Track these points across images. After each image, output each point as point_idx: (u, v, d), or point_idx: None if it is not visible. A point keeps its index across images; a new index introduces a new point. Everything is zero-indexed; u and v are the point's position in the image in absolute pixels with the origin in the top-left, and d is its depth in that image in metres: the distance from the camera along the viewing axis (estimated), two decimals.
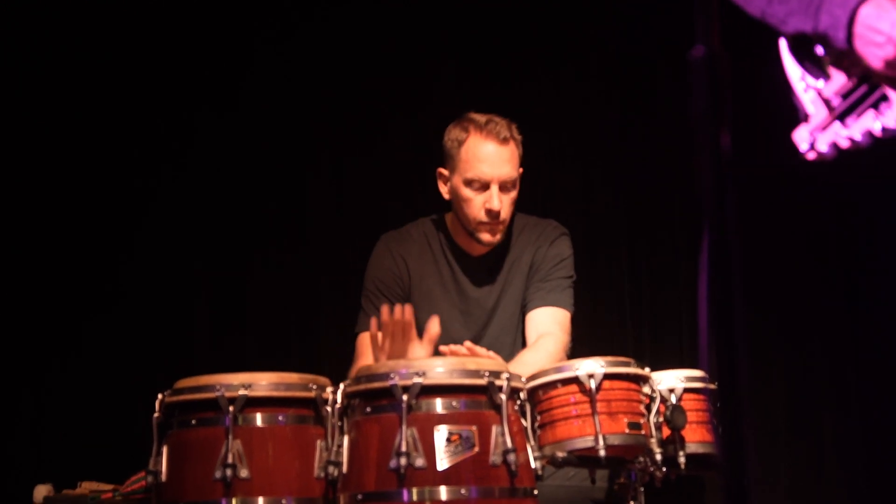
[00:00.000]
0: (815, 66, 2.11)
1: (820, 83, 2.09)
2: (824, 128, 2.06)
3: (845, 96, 2.05)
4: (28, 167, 4.53)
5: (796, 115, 2.11)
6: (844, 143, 2.02)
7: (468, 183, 3.26)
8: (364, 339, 3.33)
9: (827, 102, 2.07)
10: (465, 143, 3.27)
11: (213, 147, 4.65)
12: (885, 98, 1.99)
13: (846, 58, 2.04)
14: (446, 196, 3.38)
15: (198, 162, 4.65)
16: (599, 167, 4.72)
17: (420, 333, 3.26)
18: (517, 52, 4.77)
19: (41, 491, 3.11)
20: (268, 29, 4.77)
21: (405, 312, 2.92)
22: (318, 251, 4.63)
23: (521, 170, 3.36)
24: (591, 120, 4.72)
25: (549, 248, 3.39)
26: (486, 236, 3.29)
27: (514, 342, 3.34)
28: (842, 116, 2.05)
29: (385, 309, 2.94)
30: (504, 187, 3.25)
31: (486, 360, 2.68)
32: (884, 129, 1.97)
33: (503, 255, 3.41)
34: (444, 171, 3.37)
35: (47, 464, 4.16)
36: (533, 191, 4.59)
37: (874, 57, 1.97)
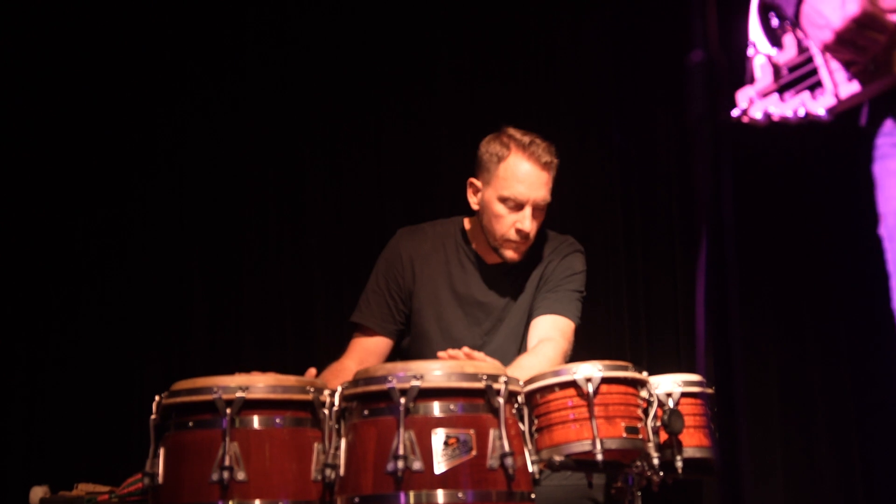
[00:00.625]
0: (771, 33, 2.11)
1: (773, 51, 2.09)
2: (764, 95, 2.06)
3: (791, 69, 2.06)
4: (18, 165, 4.52)
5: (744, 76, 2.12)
6: (776, 116, 2.03)
7: (503, 200, 3.25)
8: (358, 337, 3.39)
9: (775, 71, 2.08)
10: (505, 159, 3.27)
11: (209, 146, 4.64)
12: (820, 84, 2.01)
13: (795, 31, 2.05)
14: (475, 206, 3.37)
15: (193, 161, 4.64)
16: (597, 170, 4.72)
17: (424, 335, 3.34)
18: (514, 52, 4.77)
19: (37, 492, 3.10)
20: (264, 24, 4.76)
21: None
22: (315, 250, 4.62)
23: None
24: (588, 122, 4.72)
25: (562, 261, 3.39)
26: (509, 253, 3.30)
27: (518, 352, 3.32)
28: (782, 89, 2.06)
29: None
30: (536, 209, 3.26)
31: (484, 363, 2.68)
32: (810, 114, 1.99)
33: (516, 265, 3.39)
34: (477, 182, 3.35)
35: (43, 465, 4.15)
36: None
37: (815, 38, 1.99)
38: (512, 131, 3.31)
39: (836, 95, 1.98)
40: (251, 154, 4.66)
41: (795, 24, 2.02)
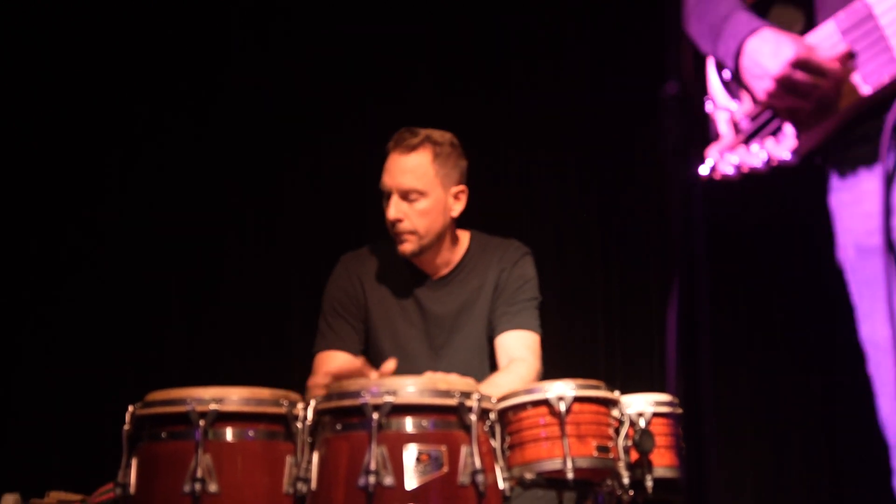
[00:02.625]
0: (729, 87, 2.15)
1: (733, 105, 2.12)
2: (731, 149, 2.09)
3: (753, 119, 2.09)
4: None
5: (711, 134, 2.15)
6: (745, 168, 2.06)
7: (381, 196, 3.30)
8: (321, 358, 3.35)
9: (736, 124, 2.11)
10: (386, 154, 3.32)
11: (185, 153, 4.63)
12: (780, 129, 2.04)
13: (742, 86, 2.08)
14: None
15: (168, 167, 4.62)
16: (573, 191, 4.75)
17: (380, 354, 3.29)
18: (495, 66, 4.80)
19: (8, 500, 3.08)
20: (246, 22, 4.76)
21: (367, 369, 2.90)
22: (292, 260, 4.63)
23: (460, 188, 3.35)
24: (565, 143, 4.75)
25: (514, 268, 3.37)
26: (399, 247, 3.29)
27: (481, 363, 3.32)
28: (747, 139, 2.09)
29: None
30: (406, 197, 3.25)
31: (457, 380, 2.69)
32: (776, 160, 2.02)
33: (463, 276, 3.40)
34: None
35: (15, 472, 4.12)
36: (506, 212, 4.63)
37: (758, 90, 2.01)
38: None
39: (797, 137, 2.01)
40: (228, 161, 4.65)
41: (737, 78, 2.05)
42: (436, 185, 3.28)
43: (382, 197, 3.31)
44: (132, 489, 2.43)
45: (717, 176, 2.07)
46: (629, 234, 4.71)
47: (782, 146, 2.00)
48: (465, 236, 3.46)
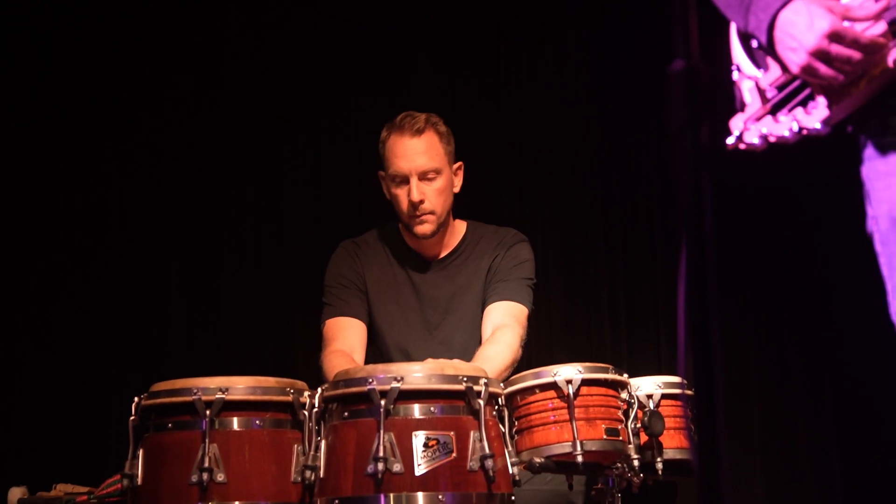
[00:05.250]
0: (754, 56, 2.11)
1: (759, 73, 2.09)
2: (758, 119, 2.06)
3: (780, 88, 2.06)
4: None
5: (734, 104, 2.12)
6: (773, 137, 2.02)
7: (392, 180, 3.35)
8: (333, 324, 3.37)
9: (762, 93, 2.07)
10: (386, 142, 3.37)
11: (187, 145, 4.61)
12: (812, 97, 2.00)
13: (773, 57, 2.05)
14: (388, 197, 3.44)
15: (171, 161, 4.61)
16: (578, 174, 4.73)
17: (376, 335, 3.36)
18: (496, 54, 4.77)
19: (15, 493, 3.08)
20: (244, 19, 4.74)
21: None
22: (294, 249, 4.61)
23: (458, 164, 3.43)
24: (569, 127, 4.73)
25: (508, 251, 3.43)
26: (418, 228, 3.34)
27: (476, 344, 3.33)
28: (774, 109, 2.05)
29: None
30: (424, 178, 3.32)
31: (465, 365, 2.68)
32: (806, 129, 1.98)
33: (459, 259, 3.45)
34: (382, 174, 3.44)
35: (22, 466, 4.12)
36: (510, 198, 4.61)
37: (791, 63, 1.98)
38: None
39: (829, 107, 1.97)
40: (230, 154, 4.64)
41: (770, 51, 2.02)
42: (445, 163, 3.37)
43: (391, 183, 3.36)
44: (139, 480, 2.43)
45: (742, 146, 2.04)
46: (634, 217, 4.68)
47: (813, 116, 1.96)
48: (461, 223, 3.53)
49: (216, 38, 4.72)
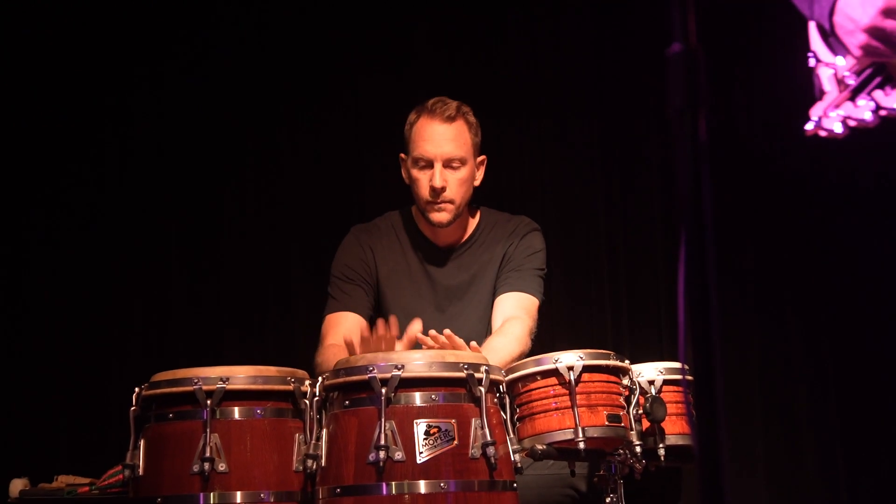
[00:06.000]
0: (830, 44, 2.09)
1: (838, 60, 2.07)
2: (837, 105, 2.04)
3: (858, 74, 2.03)
4: None
5: (813, 94, 2.10)
6: (853, 121, 2.00)
7: (415, 162, 3.34)
8: (331, 319, 3.36)
9: (841, 80, 2.05)
10: (414, 125, 3.37)
11: (184, 130, 4.60)
12: (890, 79, 1.98)
13: (839, 44, 2.03)
14: (406, 181, 3.44)
15: (168, 146, 4.60)
16: (578, 161, 4.72)
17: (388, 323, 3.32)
18: (495, 40, 4.76)
19: (17, 485, 3.08)
20: (243, 1, 4.73)
21: (391, 328, 2.89)
22: (295, 238, 4.61)
23: (482, 157, 3.44)
24: (569, 112, 4.72)
25: (521, 240, 3.43)
26: (434, 216, 3.34)
27: (488, 332, 3.33)
28: (853, 95, 2.03)
29: (379, 324, 2.88)
30: (449, 165, 3.31)
31: (465, 352, 2.67)
32: (886, 110, 1.96)
33: (472, 246, 3.45)
34: (404, 156, 3.43)
35: (23, 457, 4.13)
36: (510, 184, 4.60)
37: (852, 45, 1.96)
38: (428, 101, 3.40)
39: None
40: (228, 141, 4.63)
41: (835, 37, 2.00)
42: (471, 154, 3.37)
43: (413, 167, 3.35)
44: (141, 470, 2.43)
45: (822, 133, 2.02)
46: (634, 202, 4.68)
47: (892, 97, 1.94)
48: (475, 210, 3.52)
49: (212, 22, 4.69)
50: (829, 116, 2.02)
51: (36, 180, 4.50)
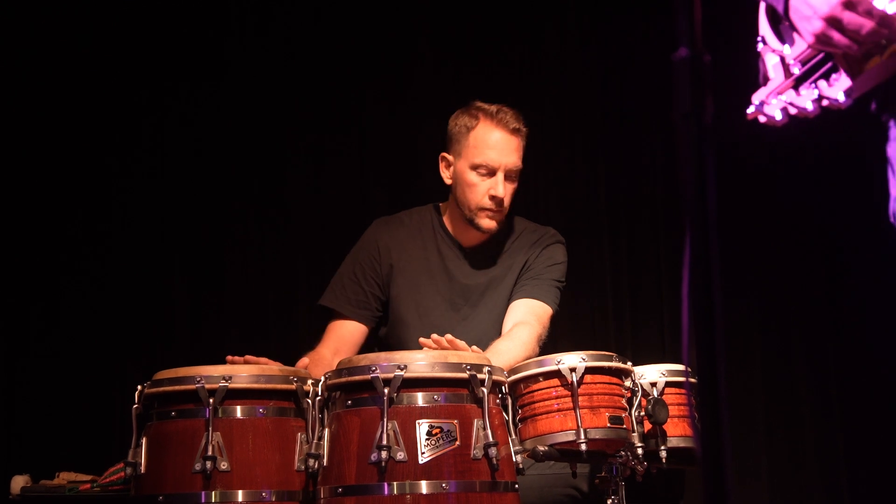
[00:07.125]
0: (780, 31, 2.10)
1: (785, 48, 2.07)
2: (780, 93, 2.04)
3: (804, 63, 2.04)
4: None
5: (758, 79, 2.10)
6: (794, 109, 2.00)
7: (475, 168, 3.31)
8: (333, 326, 3.38)
9: (787, 68, 2.06)
10: (474, 129, 3.33)
11: (189, 136, 4.60)
12: (836, 69, 1.98)
13: (793, 29, 2.03)
14: (448, 181, 3.41)
15: (174, 150, 4.60)
16: (581, 161, 4.72)
17: (401, 319, 3.36)
18: (499, 41, 4.76)
19: (18, 482, 3.08)
20: (246, 12, 4.72)
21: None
22: (297, 239, 4.61)
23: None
24: (573, 114, 4.72)
25: (544, 250, 3.43)
26: (485, 222, 3.33)
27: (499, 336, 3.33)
28: (797, 84, 2.03)
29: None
30: (508, 176, 3.32)
31: (468, 353, 2.67)
32: (828, 100, 1.96)
33: (496, 251, 3.43)
34: (449, 156, 3.40)
35: (25, 454, 4.13)
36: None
37: (805, 31, 1.96)
38: (480, 103, 3.39)
39: (851, 77, 1.95)
40: (232, 143, 4.63)
41: (787, 20, 2.00)
42: (521, 165, 3.37)
43: (469, 171, 3.31)
44: (142, 468, 2.44)
45: (762, 118, 2.02)
46: (638, 204, 4.68)
47: (835, 87, 1.94)
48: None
49: (220, 24, 4.70)
50: (771, 103, 2.02)
51: (40, 183, 4.50)
